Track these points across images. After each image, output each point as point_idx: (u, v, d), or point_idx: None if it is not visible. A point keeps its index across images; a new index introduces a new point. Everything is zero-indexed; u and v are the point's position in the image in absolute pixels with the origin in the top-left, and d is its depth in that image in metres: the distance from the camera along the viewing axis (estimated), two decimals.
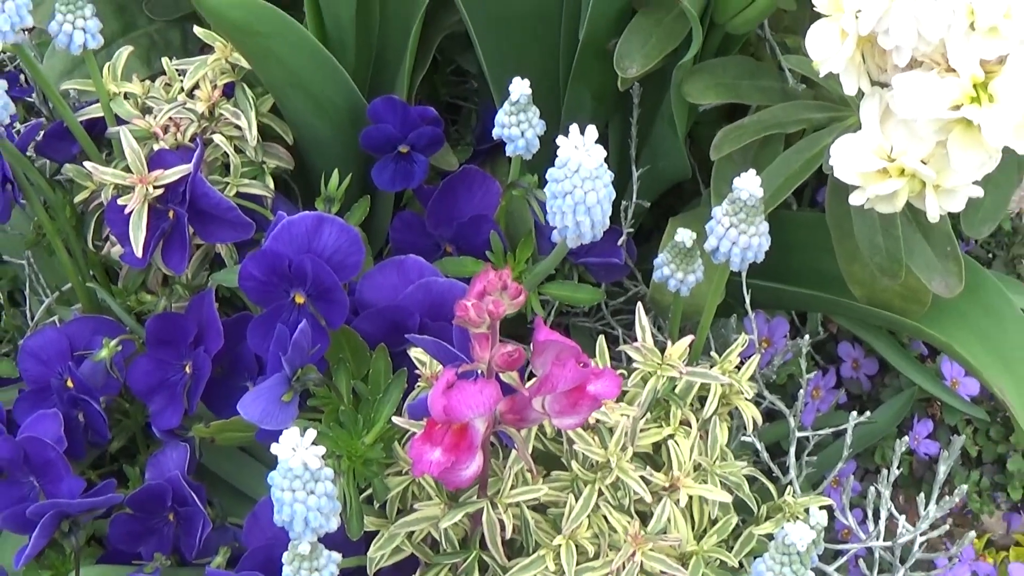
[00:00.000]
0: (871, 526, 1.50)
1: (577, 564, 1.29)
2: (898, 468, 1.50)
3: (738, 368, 1.40)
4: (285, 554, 1.25)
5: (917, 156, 1.21)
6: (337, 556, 1.24)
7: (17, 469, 1.39)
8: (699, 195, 1.60)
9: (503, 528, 1.28)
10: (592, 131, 1.23)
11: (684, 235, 1.34)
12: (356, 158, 1.46)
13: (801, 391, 1.54)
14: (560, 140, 1.22)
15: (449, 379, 1.17)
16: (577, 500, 1.30)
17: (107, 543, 1.43)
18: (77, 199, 1.43)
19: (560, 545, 1.30)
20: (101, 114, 1.42)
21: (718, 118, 1.46)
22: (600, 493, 1.31)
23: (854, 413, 1.49)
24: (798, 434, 1.52)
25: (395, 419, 1.29)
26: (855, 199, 1.25)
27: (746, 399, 1.39)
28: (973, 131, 1.17)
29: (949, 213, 1.26)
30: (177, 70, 1.44)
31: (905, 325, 1.47)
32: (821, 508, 1.37)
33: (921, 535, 1.49)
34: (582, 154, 1.23)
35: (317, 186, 1.46)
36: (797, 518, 1.42)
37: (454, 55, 1.57)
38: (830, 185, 1.37)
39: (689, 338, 1.35)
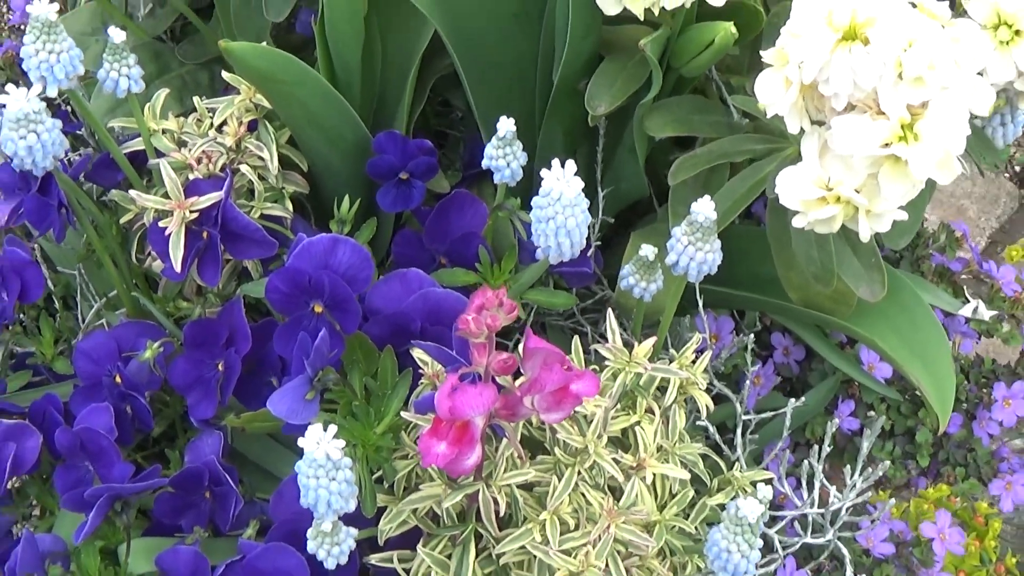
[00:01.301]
0: (805, 494, 1.48)
1: (560, 535, 1.27)
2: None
3: (693, 362, 1.38)
4: (309, 531, 1.26)
5: (852, 186, 1.21)
6: (353, 531, 1.25)
7: (74, 455, 1.37)
8: (653, 210, 1.58)
9: (497, 506, 1.27)
10: (571, 165, 1.22)
11: (647, 250, 1.35)
12: (362, 182, 1.46)
13: (747, 381, 1.53)
14: (544, 173, 1.22)
15: (453, 383, 1.16)
16: (560, 481, 1.28)
17: (151, 516, 1.40)
18: (122, 220, 1.41)
19: (545, 519, 1.28)
20: (142, 147, 1.39)
21: (670, 145, 1.45)
22: (579, 474, 1.29)
23: (792, 399, 1.48)
24: (744, 417, 1.50)
25: (403, 413, 1.27)
26: (797, 222, 1.24)
27: (700, 389, 1.37)
28: (901, 165, 1.17)
29: None
30: (207, 108, 1.41)
31: (834, 323, 1.48)
32: (764, 481, 1.38)
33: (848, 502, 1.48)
34: (563, 185, 1.23)
35: (329, 207, 1.45)
36: (745, 491, 1.40)
37: (444, 91, 1.55)
38: (770, 205, 1.37)
39: (652, 339, 1.34)
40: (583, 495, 1.31)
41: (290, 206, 1.42)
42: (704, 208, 1.26)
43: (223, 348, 1.38)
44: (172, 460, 1.45)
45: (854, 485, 1.49)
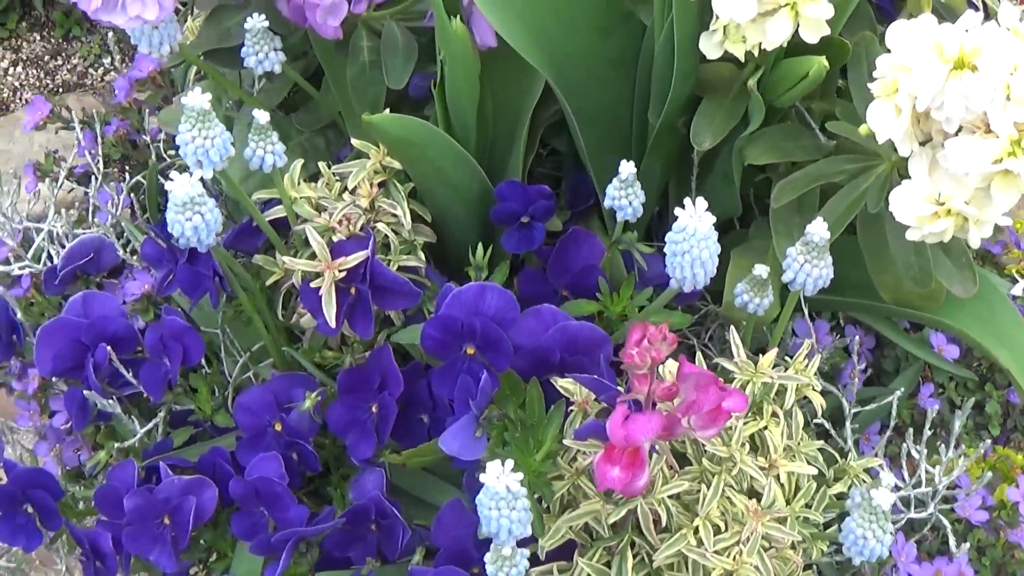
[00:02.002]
0: (905, 473, 1.49)
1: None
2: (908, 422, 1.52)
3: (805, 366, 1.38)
4: (488, 556, 1.26)
5: (962, 199, 1.19)
6: (526, 551, 1.22)
7: (249, 502, 1.37)
8: (733, 226, 1.56)
9: (657, 516, 1.26)
10: (702, 202, 1.21)
11: (760, 270, 1.34)
12: (480, 227, 1.44)
13: (847, 376, 1.53)
14: (678, 211, 1.22)
15: (624, 412, 1.16)
16: (708, 488, 1.28)
17: (322, 550, 1.38)
18: (268, 282, 1.39)
19: (698, 525, 1.28)
20: (283, 214, 1.38)
21: (752, 168, 1.42)
22: (724, 481, 1.29)
23: (896, 391, 1.48)
24: (852, 410, 1.50)
25: (567, 441, 1.27)
26: (911, 235, 1.25)
27: (815, 390, 1.37)
28: (1011, 177, 1.17)
29: None
30: (334, 173, 1.40)
31: (925, 319, 1.47)
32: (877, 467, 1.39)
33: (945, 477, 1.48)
34: (697, 221, 1.22)
35: (449, 252, 1.46)
36: (859, 478, 1.40)
37: (548, 138, 1.53)
38: (862, 218, 1.36)
39: (774, 351, 1.34)
40: (728, 499, 1.30)
41: (423, 256, 1.41)
42: (818, 229, 1.27)
43: (376, 392, 1.38)
44: (335, 498, 1.43)
45: (948, 458, 1.49)
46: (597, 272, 1.41)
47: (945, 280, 1.36)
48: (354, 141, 1.39)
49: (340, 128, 1.51)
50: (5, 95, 3.32)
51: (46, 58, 3.39)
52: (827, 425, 1.50)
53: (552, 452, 1.29)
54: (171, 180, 1.25)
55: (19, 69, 3.36)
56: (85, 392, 1.41)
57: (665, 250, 1.25)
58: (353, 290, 1.34)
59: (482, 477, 1.17)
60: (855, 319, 1.67)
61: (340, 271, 1.33)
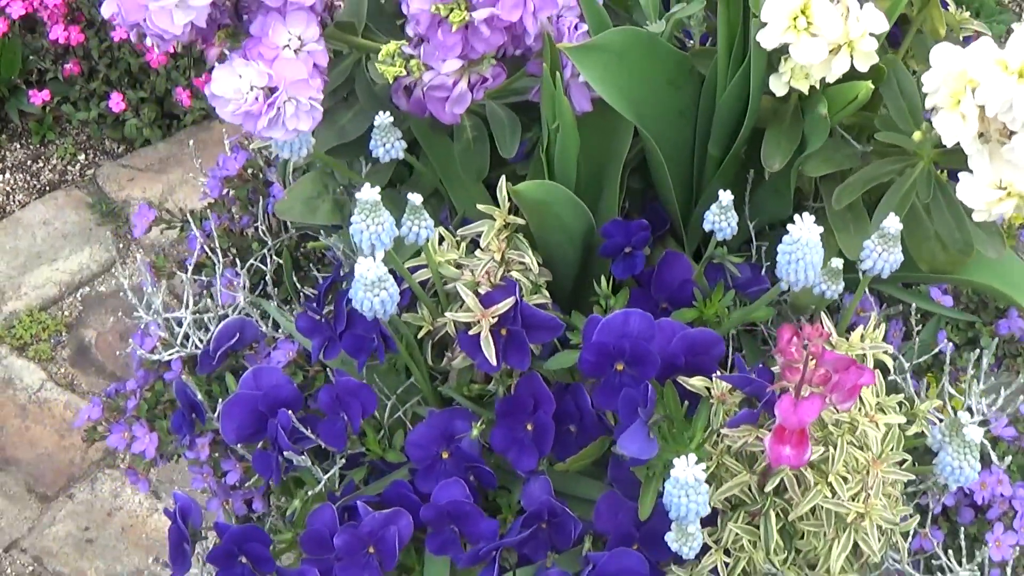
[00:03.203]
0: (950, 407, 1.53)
1: None
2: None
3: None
4: (671, 534, 1.30)
5: (1021, 183, 1.23)
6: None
7: (441, 523, 1.38)
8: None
9: (804, 480, 1.29)
10: (809, 216, 1.23)
11: (836, 262, 1.37)
12: (582, 260, 1.47)
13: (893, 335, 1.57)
14: (790, 227, 1.23)
15: (791, 401, 1.18)
16: (835, 449, 1.30)
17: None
18: (420, 335, 1.38)
19: (832, 480, 1.30)
20: (428, 276, 1.37)
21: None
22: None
23: (950, 345, 1.52)
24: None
25: (724, 430, 1.29)
26: (979, 217, 1.28)
27: (887, 354, 1.40)
28: None
29: None
30: (457, 235, 1.40)
31: (958, 280, 1.50)
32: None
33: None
34: (808, 232, 1.24)
35: (556, 285, 1.44)
36: (927, 418, 1.43)
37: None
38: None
39: (860, 327, 1.36)
40: (851, 455, 1.33)
41: (547, 293, 1.41)
42: (892, 223, 1.30)
43: (531, 413, 1.39)
44: (503, 506, 1.44)
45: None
46: (691, 285, 1.44)
47: (980, 247, 1.40)
48: (480, 206, 1.39)
49: (441, 195, 1.51)
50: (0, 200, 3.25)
51: (28, 162, 3.33)
52: (901, 381, 1.53)
53: (701, 442, 1.31)
54: (358, 263, 1.25)
55: (7, 175, 3.30)
56: (290, 455, 1.39)
57: (779, 258, 1.28)
58: (504, 331, 1.35)
59: (673, 471, 1.19)
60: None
61: (494, 317, 1.33)
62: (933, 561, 1.53)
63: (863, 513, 1.32)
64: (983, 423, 1.56)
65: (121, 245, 3.17)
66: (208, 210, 1.75)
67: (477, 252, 1.40)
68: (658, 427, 1.32)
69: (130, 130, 3.24)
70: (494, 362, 1.34)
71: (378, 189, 1.27)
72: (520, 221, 1.40)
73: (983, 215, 1.28)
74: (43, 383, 2.96)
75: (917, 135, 1.32)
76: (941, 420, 1.49)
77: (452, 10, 1.25)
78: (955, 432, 1.33)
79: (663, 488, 1.33)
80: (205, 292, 1.69)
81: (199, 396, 1.51)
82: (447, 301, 1.40)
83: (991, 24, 1.57)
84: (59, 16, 3.10)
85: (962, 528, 1.54)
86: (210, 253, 1.66)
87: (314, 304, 1.45)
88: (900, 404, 1.43)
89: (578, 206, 1.39)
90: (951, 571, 1.51)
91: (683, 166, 1.47)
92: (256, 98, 1.29)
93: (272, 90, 1.30)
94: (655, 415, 1.30)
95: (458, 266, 1.40)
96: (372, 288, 1.27)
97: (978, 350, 1.65)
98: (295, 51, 1.31)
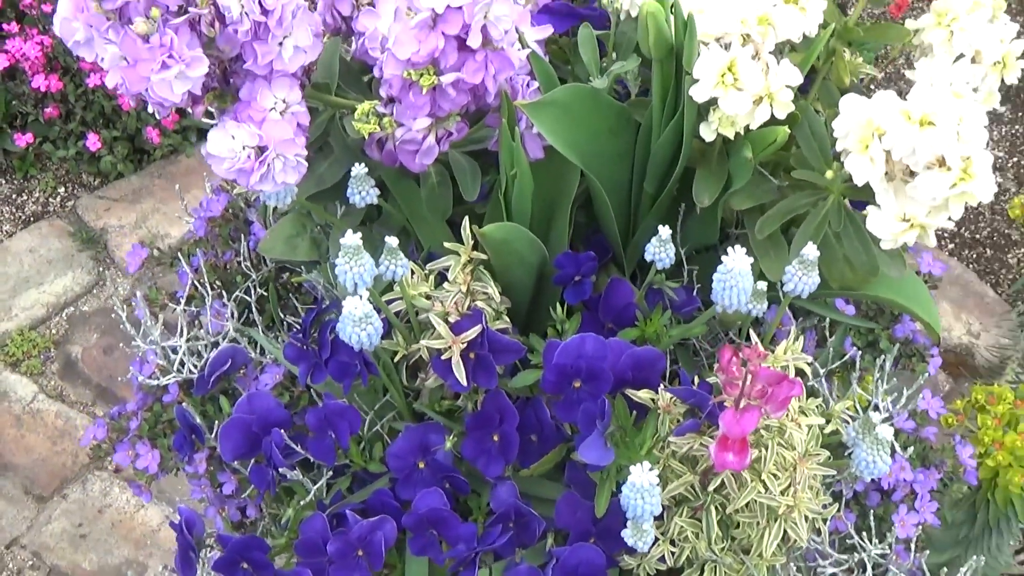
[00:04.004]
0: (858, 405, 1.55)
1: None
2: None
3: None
4: (626, 532, 1.31)
5: (923, 215, 1.24)
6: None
7: (421, 528, 1.38)
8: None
9: (739, 480, 1.30)
10: (740, 248, 1.24)
11: (762, 285, 1.37)
12: (535, 288, 1.47)
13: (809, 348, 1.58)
14: (724, 258, 1.25)
15: (733, 412, 1.19)
16: (767, 451, 1.32)
17: None
18: (395, 359, 1.39)
19: (764, 477, 1.31)
20: (402, 308, 1.37)
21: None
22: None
23: (854, 349, 1.55)
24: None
25: (672, 438, 1.30)
26: (886, 245, 1.31)
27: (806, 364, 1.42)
28: (964, 194, 1.22)
29: None
30: (427, 269, 1.40)
31: (864, 296, 1.52)
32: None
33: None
34: (739, 262, 1.25)
35: (513, 311, 1.44)
36: (840, 418, 1.44)
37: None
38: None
39: (784, 342, 1.37)
40: (782, 456, 1.34)
41: (507, 319, 1.41)
42: (810, 251, 1.32)
43: (497, 425, 1.39)
44: (474, 508, 1.44)
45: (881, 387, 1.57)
46: (634, 307, 1.44)
47: (885, 268, 1.41)
48: (448, 244, 1.40)
49: (408, 232, 1.51)
50: None
51: (13, 196, 3.30)
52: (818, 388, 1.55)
53: (650, 448, 1.32)
54: (346, 303, 1.25)
55: None
56: (283, 469, 1.39)
57: (714, 285, 1.29)
58: (472, 355, 1.35)
59: (631, 477, 1.21)
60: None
61: (463, 343, 1.34)
62: (847, 540, 1.56)
63: (792, 505, 1.34)
64: (887, 419, 1.58)
65: (101, 269, 3.14)
66: (194, 246, 1.73)
67: (445, 284, 1.40)
68: (612, 436, 1.33)
69: (105, 165, 3.21)
70: (464, 383, 1.34)
71: (359, 235, 1.27)
72: (482, 256, 1.39)
73: (890, 244, 1.29)
74: (35, 395, 2.93)
75: (830, 173, 1.33)
76: (853, 419, 1.51)
77: (422, 75, 1.25)
78: (868, 430, 1.35)
79: (615, 488, 1.35)
80: (195, 321, 1.67)
81: (198, 420, 1.50)
82: (419, 328, 1.40)
83: (863, 51, 1.59)
84: (39, 66, 3.06)
85: (871, 510, 1.56)
86: (199, 287, 1.65)
87: (299, 334, 1.44)
88: (817, 406, 1.45)
89: (535, 242, 1.39)
90: (863, 549, 1.53)
91: (622, 202, 1.48)
92: (248, 156, 1.28)
93: (262, 149, 1.29)
94: (610, 426, 1.31)
95: (428, 298, 1.40)
96: (360, 323, 1.27)
97: (881, 353, 1.69)
98: (280, 112, 1.30)
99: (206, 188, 1.79)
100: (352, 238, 1.26)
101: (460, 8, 1.21)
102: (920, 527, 1.56)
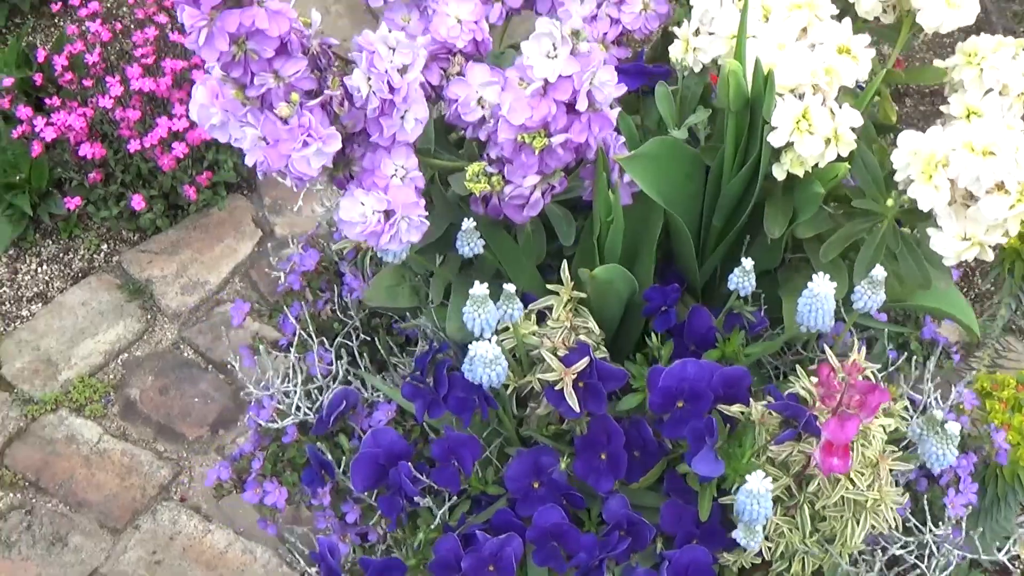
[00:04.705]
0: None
1: None
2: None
3: None
4: (739, 532, 1.32)
5: (982, 234, 1.27)
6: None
7: (544, 541, 1.40)
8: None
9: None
10: (825, 276, 1.26)
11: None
12: (625, 318, 1.47)
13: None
14: (810, 284, 1.26)
15: (837, 422, 1.21)
16: (853, 451, 1.33)
17: None
18: (510, 391, 1.39)
19: (852, 475, 1.34)
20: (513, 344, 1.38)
21: None
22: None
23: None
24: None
25: (772, 447, 1.31)
26: (949, 261, 1.32)
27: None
28: (1019, 215, 1.23)
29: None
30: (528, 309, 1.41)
31: (911, 306, 1.54)
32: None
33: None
34: (824, 287, 1.27)
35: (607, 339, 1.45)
36: (902, 416, 1.46)
37: None
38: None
39: (855, 352, 1.39)
40: (863, 454, 1.36)
41: (606, 350, 1.43)
42: (878, 272, 1.33)
43: (605, 445, 1.40)
44: (586, 520, 1.45)
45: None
46: (714, 331, 1.46)
47: (936, 281, 1.43)
48: (549, 286, 1.41)
49: (502, 275, 1.51)
50: (41, 288, 3.18)
51: (60, 255, 3.28)
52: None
53: (750, 457, 1.34)
54: (477, 346, 1.26)
55: (44, 267, 3.24)
56: (416, 498, 1.40)
57: (799, 307, 1.31)
58: (582, 384, 1.36)
59: (747, 485, 1.22)
60: None
61: (574, 374, 1.35)
62: (905, 524, 1.58)
63: (878, 499, 1.36)
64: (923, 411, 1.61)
65: (149, 316, 3.12)
66: (289, 298, 1.73)
67: (548, 322, 1.42)
68: (720, 449, 1.35)
69: (144, 222, 3.19)
70: (576, 410, 1.35)
71: (485, 286, 1.28)
72: (581, 295, 1.41)
73: (951, 260, 1.32)
74: (101, 436, 2.91)
75: (890, 202, 1.36)
76: (907, 417, 1.54)
77: (534, 138, 1.27)
78: (932, 427, 1.38)
79: (715, 494, 1.37)
80: (296, 367, 1.66)
81: (329, 457, 1.50)
82: (527, 363, 1.41)
83: None
84: (83, 135, 3.04)
85: (923, 495, 1.59)
86: (303, 334, 1.65)
87: (417, 374, 1.45)
88: (883, 408, 1.47)
89: (631, 280, 1.41)
90: (921, 531, 1.56)
91: (693, 236, 1.50)
92: (379, 220, 1.29)
93: (389, 213, 1.30)
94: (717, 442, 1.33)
95: (534, 334, 1.41)
96: (490, 365, 1.28)
97: (912, 354, 1.71)
98: (401, 179, 1.31)
99: (248, 237, 1.79)
100: (480, 288, 1.28)
101: (570, 76, 1.23)
102: (969, 506, 1.59)
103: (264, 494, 1.56)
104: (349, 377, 1.62)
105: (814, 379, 1.31)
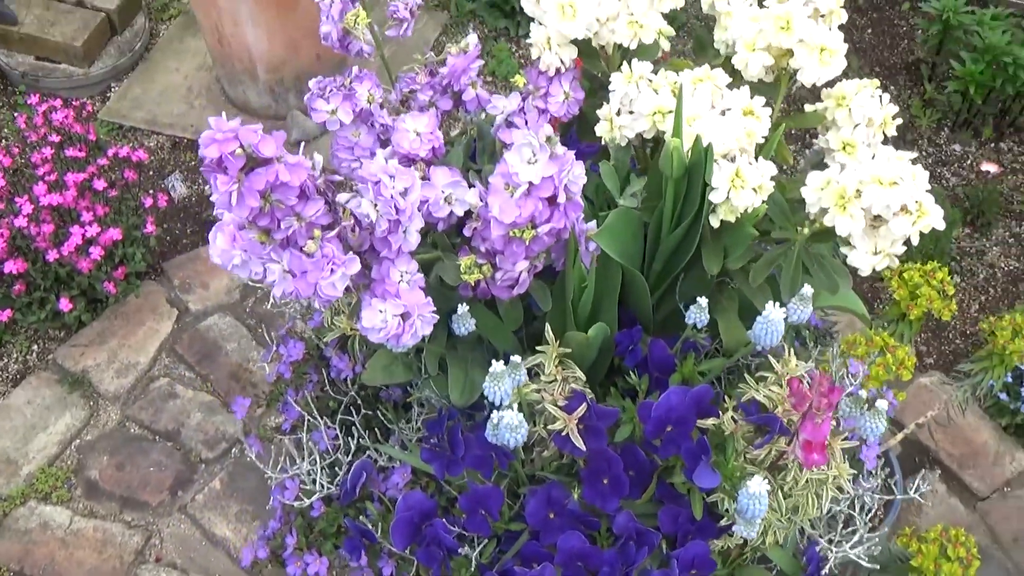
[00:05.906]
0: None
1: None
2: None
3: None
4: (738, 526, 1.33)
5: (890, 247, 1.31)
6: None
7: (570, 563, 1.41)
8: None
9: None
10: (774, 304, 1.28)
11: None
12: (597, 361, 1.47)
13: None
14: (764, 312, 1.28)
15: (813, 425, 1.23)
16: None
17: None
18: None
19: None
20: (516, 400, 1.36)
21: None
22: None
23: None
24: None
25: (755, 450, 1.33)
26: (864, 272, 1.35)
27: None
28: (925, 228, 1.29)
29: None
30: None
31: (819, 305, 1.57)
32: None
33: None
34: (776, 313, 1.29)
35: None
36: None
37: None
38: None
39: (790, 358, 1.42)
40: None
41: (590, 390, 1.43)
42: (807, 289, 1.37)
43: (607, 471, 1.41)
44: (599, 534, 1.45)
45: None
46: (672, 358, 1.47)
47: (841, 285, 1.48)
48: (540, 348, 1.39)
49: (482, 340, 1.50)
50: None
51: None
52: None
53: (733, 461, 1.36)
54: (504, 414, 1.24)
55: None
56: (449, 551, 1.38)
57: (754, 329, 1.33)
58: (582, 426, 1.36)
59: (749, 488, 1.24)
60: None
61: (575, 420, 1.34)
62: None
63: (837, 474, 1.40)
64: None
65: (91, 403, 2.96)
66: (283, 385, 1.67)
67: (542, 377, 1.41)
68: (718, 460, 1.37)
69: (69, 319, 3.03)
70: (582, 448, 1.35)
71: (502, 364, 1.26)
72: (566, 350, 1.41)
73: (867, 271, 1.36)
74: (71, 518, 2.76)
75: (806, 230, 1.39)
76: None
77: (523, 231, 1.25)
78: (860, 405, 1.43)
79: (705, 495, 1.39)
80: (306, 445, 1.61)
81: (369, 526, 1.46)
82: (528, 412, 1.40)
83: None
84: (3, 254, 2.86)
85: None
86: (308, 416, 1.60)
87: (433, 440, 1.42)
88: None
89: (606, 333, 1.41)
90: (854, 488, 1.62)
91: (644, 282, 1.51)
92: (398, 324, 1.26)
93: (406, 315, 1.27)
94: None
95: (535, 391, 1.40)
96: (514, 430, 1.27)
97: (804, 340, 1.76)
98: (407, 283, 1.28)
99: (166, 317, 1.72)
100: (499, 366, 1.27)
101: (551, 176, 1.22)
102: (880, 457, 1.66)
103: (306, 566, 1.52)
104: (352, 446, 1.58)
105: (775, 388, 1.34)
